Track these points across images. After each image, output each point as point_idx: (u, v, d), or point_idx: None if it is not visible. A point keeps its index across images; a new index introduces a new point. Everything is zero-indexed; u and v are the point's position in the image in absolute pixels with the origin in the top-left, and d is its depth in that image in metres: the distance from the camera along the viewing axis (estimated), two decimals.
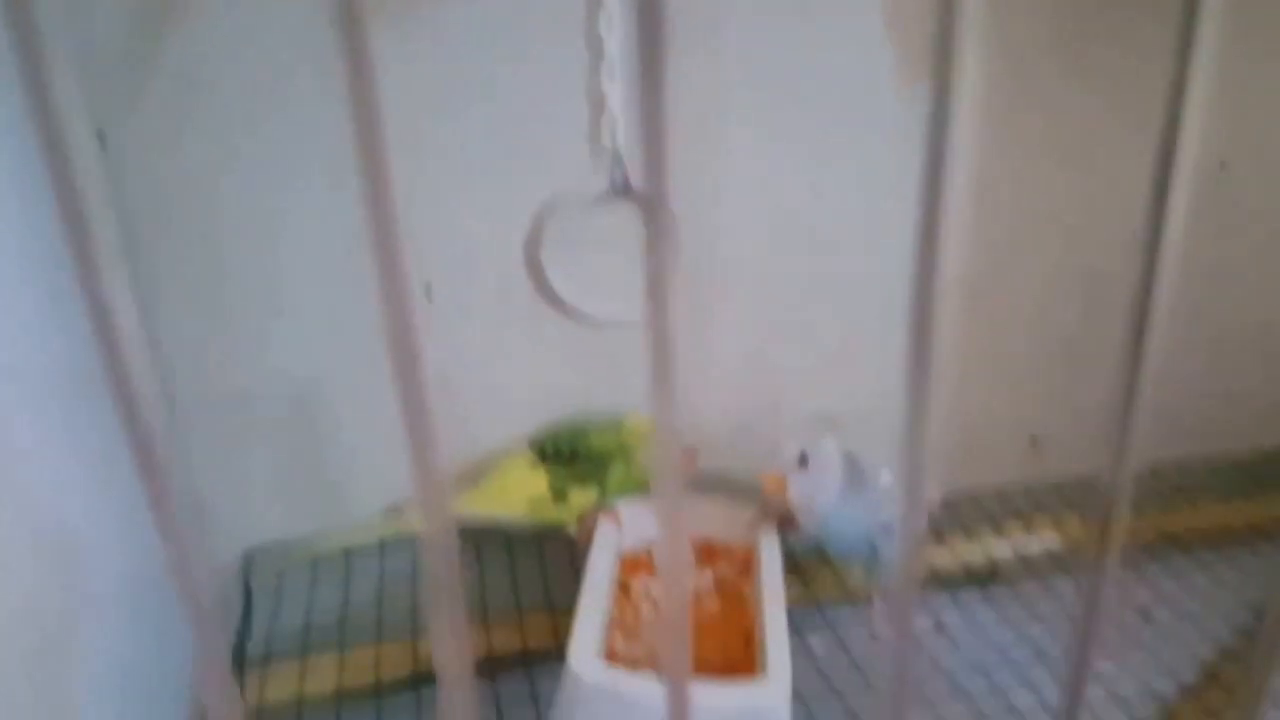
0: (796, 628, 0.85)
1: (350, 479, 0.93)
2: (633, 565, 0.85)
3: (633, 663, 0.72)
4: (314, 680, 0.81)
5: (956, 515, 0.99)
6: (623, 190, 0.81)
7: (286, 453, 0.91)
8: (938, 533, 0.95)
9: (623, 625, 0.77)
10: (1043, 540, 0.96)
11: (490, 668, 0.81)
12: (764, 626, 0.70)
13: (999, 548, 0.95)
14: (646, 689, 0.63)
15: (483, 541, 0.93)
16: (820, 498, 0.73)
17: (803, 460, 0.72)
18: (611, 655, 0.73)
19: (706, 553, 0.86)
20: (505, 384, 0.91)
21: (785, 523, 0.83)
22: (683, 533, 0.23)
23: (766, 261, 0.92)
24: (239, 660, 0.84)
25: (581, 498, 0.84)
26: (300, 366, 0.88)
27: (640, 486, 0.85)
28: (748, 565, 0.82)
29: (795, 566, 0.93)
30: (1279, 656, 0.26)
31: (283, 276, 0.84)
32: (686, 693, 0.24)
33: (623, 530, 0.85)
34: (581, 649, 0.66)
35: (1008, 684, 0.77)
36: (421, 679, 0.81)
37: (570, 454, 0.84)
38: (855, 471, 0.77)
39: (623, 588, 0.81)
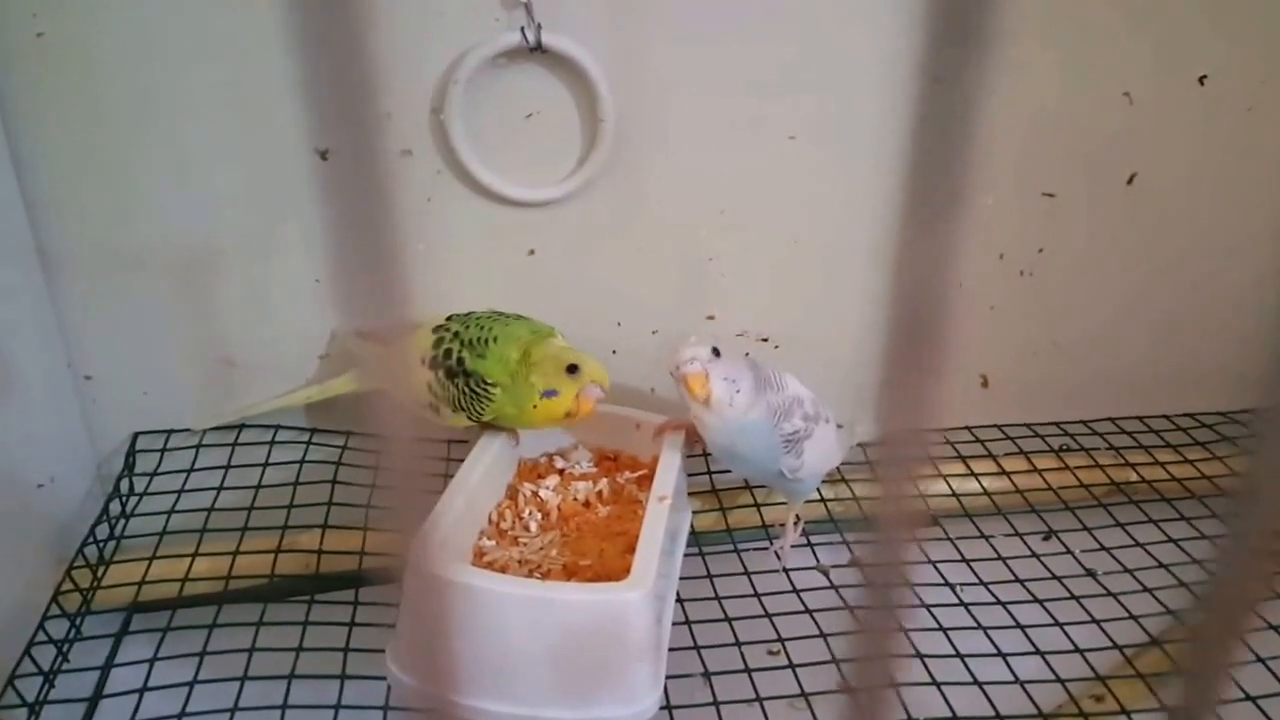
0: (704, 553, 0.78)
1: (248, 355, 0.86)
2: (529, 471, 0.78)
3: (500, 567, 0.65)
4: (196, 571, 0.76)
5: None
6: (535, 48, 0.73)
7: (179, 326, 0.84)
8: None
9: (498, 529, 0.70)
10: (987, 482, 0.88)
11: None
12: (642, 533, 0.63)
13: (938, 488, 0.87)
14: (484, 581, 0.57)
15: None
16: (741, 387, 0.67)
17: (716, 352, 0.66)
18: (478, 556, 0.66)
19: (610, 462, 0.79)
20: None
21: (690, 437, 0.75)
22: None
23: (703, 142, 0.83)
24: (109, 550, 0.78)
25: (453, 419, 0.74)
26: (191, 226, 0.81)
27: (515, 421, 0.74)
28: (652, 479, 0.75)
29: (716, 498, 0.86)
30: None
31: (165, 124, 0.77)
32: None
33: (520, 438, 0.78)
34: (427, 543, 0.59)
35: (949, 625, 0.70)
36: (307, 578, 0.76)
37: (457, 369, 0.73)
38: (759, 372, 0.70)
39: (510, 493, 0.74)
